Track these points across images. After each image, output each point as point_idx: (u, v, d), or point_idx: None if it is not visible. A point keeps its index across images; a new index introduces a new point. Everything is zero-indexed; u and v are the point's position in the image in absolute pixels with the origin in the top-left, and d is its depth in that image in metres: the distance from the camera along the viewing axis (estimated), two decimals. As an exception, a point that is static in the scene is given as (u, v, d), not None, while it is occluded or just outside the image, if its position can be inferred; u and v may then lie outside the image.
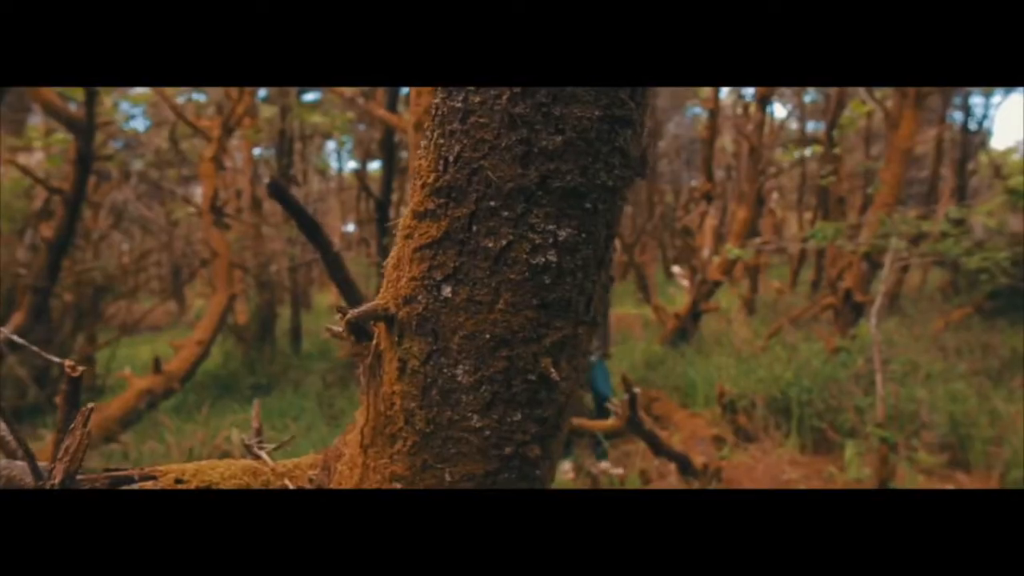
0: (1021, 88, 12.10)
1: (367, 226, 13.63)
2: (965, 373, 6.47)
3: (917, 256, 4.42)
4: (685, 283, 9.61)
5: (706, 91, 10.09)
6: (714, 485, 4.20)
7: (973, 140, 13.37)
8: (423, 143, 0.94)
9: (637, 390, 3.30)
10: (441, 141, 0.89)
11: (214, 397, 7.40)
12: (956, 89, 12.11)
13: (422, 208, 0.91)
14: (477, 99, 0.85)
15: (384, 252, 8.02)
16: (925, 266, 12.24)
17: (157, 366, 6.64)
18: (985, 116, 15.66)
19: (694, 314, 7.77)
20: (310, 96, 13.81)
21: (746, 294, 10.09)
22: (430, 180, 0.90)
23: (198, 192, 13.39)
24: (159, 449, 5.49)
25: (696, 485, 4.18)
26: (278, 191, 2.28)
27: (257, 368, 9.45)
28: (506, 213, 0.86)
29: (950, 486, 4.34)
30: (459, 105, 0.86)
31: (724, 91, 10.86)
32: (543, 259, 0.87)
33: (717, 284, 7.94)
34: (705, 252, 10.49)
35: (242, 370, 9.43)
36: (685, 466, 4.15)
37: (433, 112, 0.90)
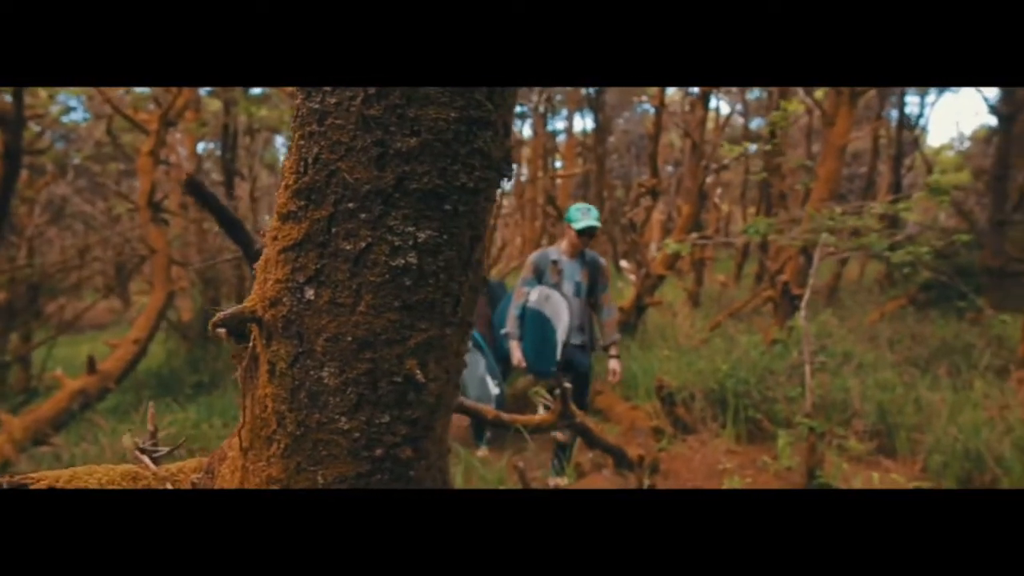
0: (955, 88, 12.45)
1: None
2: (896, 363, 6.67)
3: (845, 250, 4.53)
4: (632, 277, 9.72)
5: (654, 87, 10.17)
6: (650, 477, 4.26)
7: (909, 137, 13.77)
8: (289, 144, 0.93)
9: (568, 385, 3.32)
10: (302, 143, 0.88)
11: (154, 396, 7.23)
12: (892, 88, 12.45)
13: (285, 210, 0.90)
14: (333, 100, 0.85)
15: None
16: (863, 259, 12.59)
17: (91, 366, 6.46)
18: (921, 115, 16.14)
19: (638, 308, 7.85)
20: (257, 90, 13.56)
21: (691, 288, 10.24)
22: (291, 182, 0.89)
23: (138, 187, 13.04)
24: (92, 451, 5.34)
25: (632, 478, 4.23)
26: (194, 188, 2.23)
27: (200, 366, 9.25)
28: (364, 215, 0.85)
29: (876, 473, 4.47)
30: (317, 106, 0.86)
31: (671, 88, 10.97)
32: (403, 261, 0.87)
33: (661, 278, 8.04)
34: (652, 247, 10.61)
35: (185, 368, 9.22)
36: (620, 458, 4.20)
37: (294, 113, 0.90)
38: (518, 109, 20.14)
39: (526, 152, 15.06)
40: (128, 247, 11.91)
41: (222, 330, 1.05)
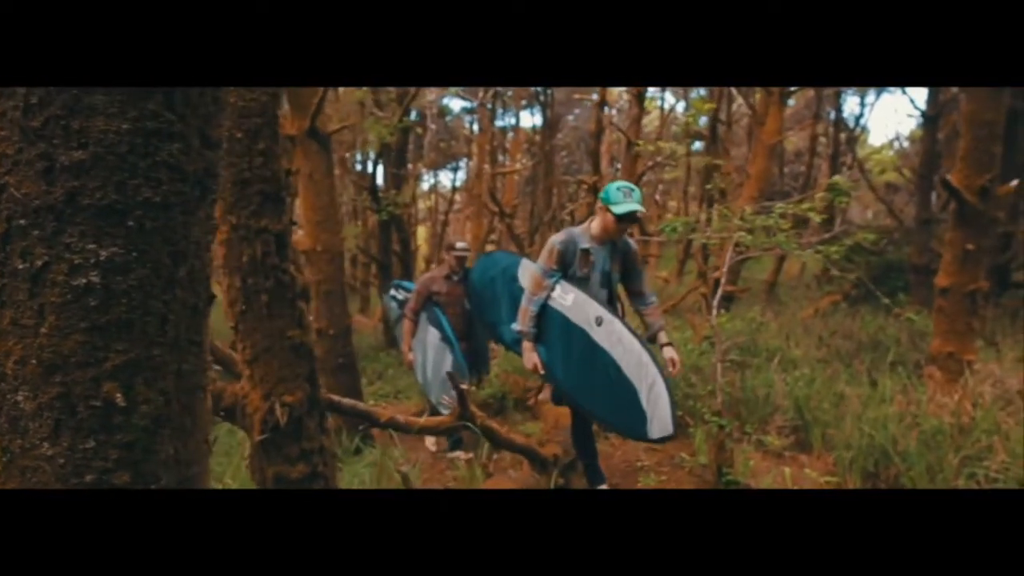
0: (894, 88, 12.69)
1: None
2: (822, 358, 6.79)
3: (756, 249, 4.58)
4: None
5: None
6: (564, 476, 4.26)
7: (848, 136, 14.03)
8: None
9: (465, 386, 3.30)
10: (-24, 155, 0.83)
11: None
12: (830, 89, 12.66)
13: (-33, 226, 0.85)
14: (-4, 110, 0.79)
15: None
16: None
17: None
18: (861, 115, 16.46)
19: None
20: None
21: (632, 284, 10.30)
22: (-30, 197, 0.84)
23: None
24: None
25: (544, 477, 4.23)
26: None
27: None
28: (37, 232, 0.81)
29: (788, 469, 4.53)
30: (-18, 116, 0.81)
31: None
32: (85, 280, 0.82)
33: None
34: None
35: None
36: (532, 458, 4.19)
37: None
38: (466, 104, 20.08)
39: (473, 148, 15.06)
40: None
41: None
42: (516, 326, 3.98)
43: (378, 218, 8.36)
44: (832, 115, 12.68)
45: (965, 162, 4.84)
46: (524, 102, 17.04)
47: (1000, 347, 6.83)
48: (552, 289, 3.84)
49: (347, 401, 2.82)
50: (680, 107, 16.01)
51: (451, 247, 5.43)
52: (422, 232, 25.13)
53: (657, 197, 13.50)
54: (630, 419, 3.58)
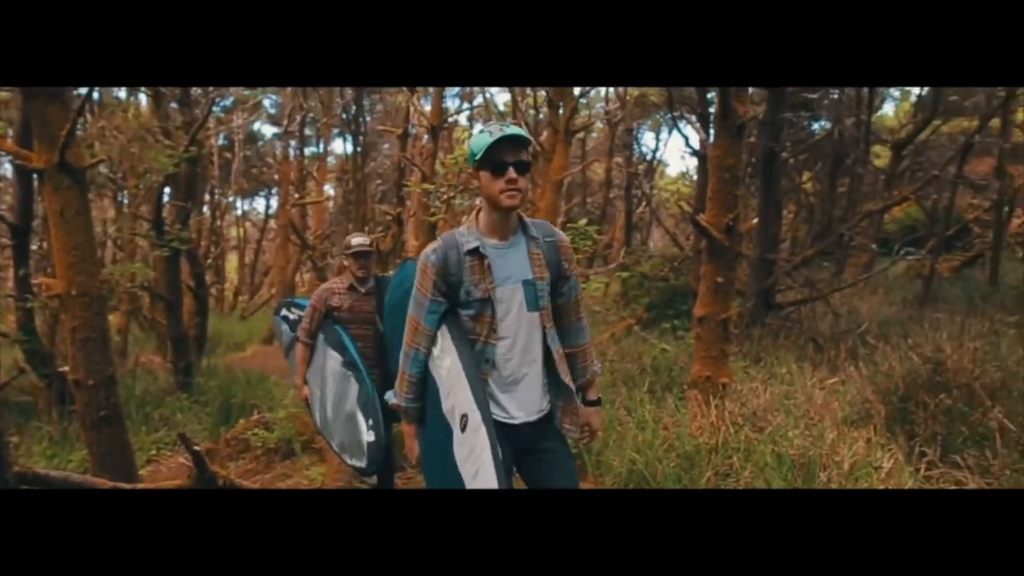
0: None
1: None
2: (608, 383, 7.14)
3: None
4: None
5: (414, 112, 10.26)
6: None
7: (647, 168, 15.04)
8: None
9: (199, 447, 3.12)
10: None
11: None
12: (627, 126, 13.54)
13: None
14: None
15: (22, 282, 6.82)
16: (608, 279, 13.51)
17: None
18: (656, 148, 17.75)
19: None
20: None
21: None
22: None
23: None
24: None
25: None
26: None
27: None
28: None
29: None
30: None
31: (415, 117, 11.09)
32: None
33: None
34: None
35: None
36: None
37: None
38: (276, 130, 19.49)
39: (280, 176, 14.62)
40: None
41: None
42: (391, 396, 2.60)
43: (159, 254, 7.85)
44: (630, 150, 13.57)
45: (712, 202, 5.32)
46: (336, 130, 16.79)
47: (765, 363, 7.53)
48: (431, 339, 2.41)
49: (56, 473, 2.58)
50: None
51: (347, 247, 4.25)
52: (233, 262, 23.86)
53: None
54: None
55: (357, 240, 4.24)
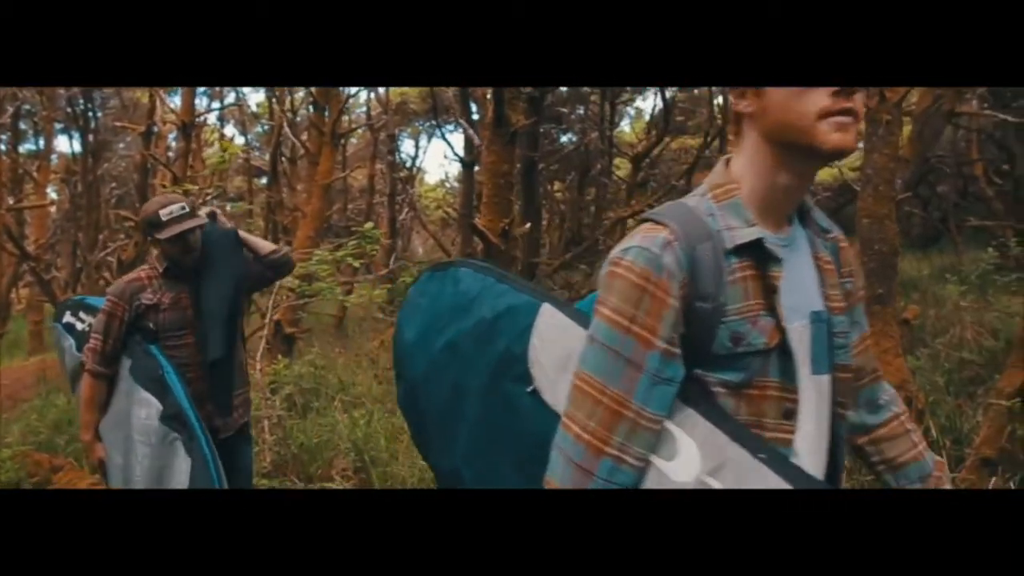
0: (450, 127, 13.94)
1: None
2: (381, 394, 7.04)
3: (303, 296, 4.56)
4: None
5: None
6: None
7: (407, 176, 15.12)
8: None
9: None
10: None
11: None
12: (390, 131, 13.51)
13: None
14: None
15: None
16: (373, 286, 13.36)
17: None
18: (416, 155, 17.97)
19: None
20: None
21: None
22: None
23: None
24: None
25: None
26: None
27: None
28: None
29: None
30: None
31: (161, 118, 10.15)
32: None
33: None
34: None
35: None
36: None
37: None
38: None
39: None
40: None
41: None
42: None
43: None
44: (390, 156, 13.54)
45: (488, 207, 5.47)
46: (60, 125, 14.81)
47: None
48: (656, 437, 1.05)
49: None
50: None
51: (154, 224, 2.66)
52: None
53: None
54: None
55: (168, 209, 2.66)
